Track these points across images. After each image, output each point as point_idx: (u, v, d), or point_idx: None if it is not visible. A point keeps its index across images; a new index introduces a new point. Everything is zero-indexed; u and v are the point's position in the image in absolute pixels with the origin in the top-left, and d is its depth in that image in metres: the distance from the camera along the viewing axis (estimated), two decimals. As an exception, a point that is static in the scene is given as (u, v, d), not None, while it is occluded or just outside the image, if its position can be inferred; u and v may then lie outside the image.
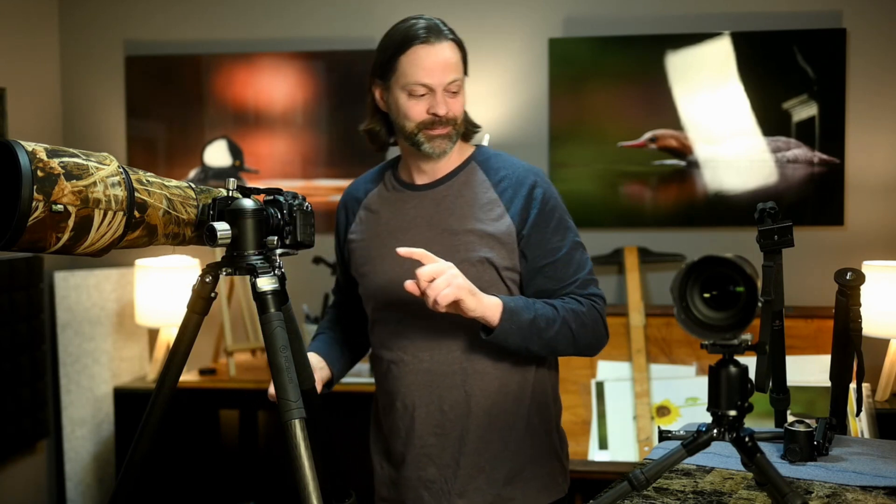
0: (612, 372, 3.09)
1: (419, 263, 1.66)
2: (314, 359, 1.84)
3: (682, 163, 3.29)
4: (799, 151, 3.23)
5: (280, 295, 1.62)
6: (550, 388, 1.84)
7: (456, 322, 1.69)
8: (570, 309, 1.71)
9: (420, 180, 1.83)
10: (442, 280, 1.57)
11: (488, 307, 1.63)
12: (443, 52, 1.71)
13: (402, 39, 1.72)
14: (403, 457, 1.80)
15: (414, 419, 1.78)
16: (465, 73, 1.79)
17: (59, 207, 1.30)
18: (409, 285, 1.59)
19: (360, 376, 3.16)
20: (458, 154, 1.82)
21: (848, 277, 1.68)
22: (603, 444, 3.02)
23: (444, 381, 1.76)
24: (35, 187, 1.27)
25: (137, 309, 3.36)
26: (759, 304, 1.20)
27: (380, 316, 1.83)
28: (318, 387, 1.78)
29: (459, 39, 1.77)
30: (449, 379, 1.75)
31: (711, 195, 3.29)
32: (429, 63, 1.70)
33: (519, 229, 1.75)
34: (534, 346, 1.68)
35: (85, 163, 1.36)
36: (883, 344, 2.89)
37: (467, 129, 1.84)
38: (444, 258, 1.67)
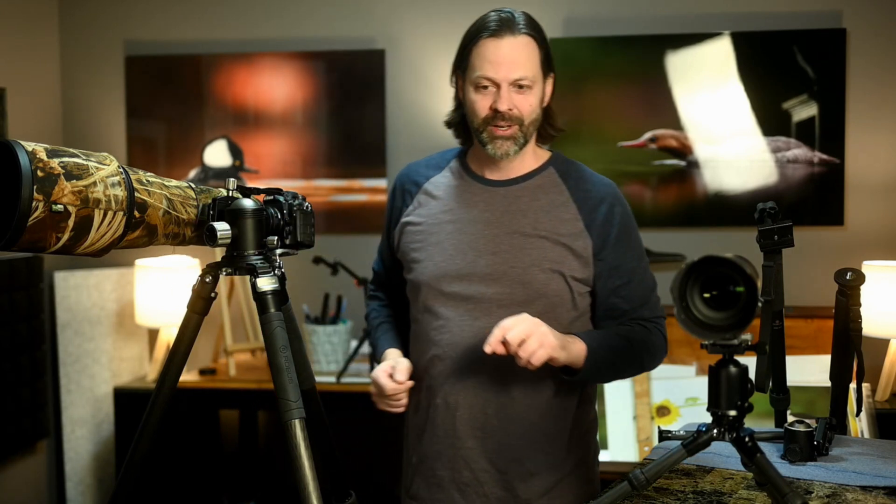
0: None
1: (478, 262, 1.65)
2: (395, 353, 1.81)
3: (682, 163, 3.29)
4: (799, 151, 3.23)
5: (280, 295, 1.62)
6: (592, 402, 1.82)
7: None
8: (640, 340, 1.71)
9: (492, 175, 1.76)
10: (534, 341, 1.53)
11: (576, 356, 1.62)
12: (511, 46, 1.64)
13: (474, 31, 1.67)
14: (439, 455, 1.74)
15: (455, 419, 1.71)
16: (550, 70, 1.73)
17: (59, 207, 1.30)
18: (492, 348, 1.53)
19: (359, 376, 3.16)
20: (533, 156, 1.78)
21: (848, 277, 1.68)
22: (603, 444, 3.02)
23: (492, 383, 1.69)
24: (35, 187, 1.27)
25: (137, 309, 3.36)
26: (759, 304, 1.20)
27: (429, 306, 1.74)
28: (405, 376, 1.72)
29: (538, 34, 1.69)
30: (497, 382, 1.69)
31: (711, 195, 3.29)
32: (495, 57, 1.64)
33: (597, 247, 1.71)
34: (607, 379, 1.76)
35: (85, 163, 1.36)
36: (883, 344, 2.89)
37: (547, 133, 1.79)
38: (511, 260, 1.65)
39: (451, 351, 1.71)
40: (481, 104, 1.66)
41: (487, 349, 1.53)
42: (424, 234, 1.74)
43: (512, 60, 1.64)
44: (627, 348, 1.70)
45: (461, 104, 1.75)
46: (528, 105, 1.67)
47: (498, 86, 1.64)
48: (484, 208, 1.72)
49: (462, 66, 1.70)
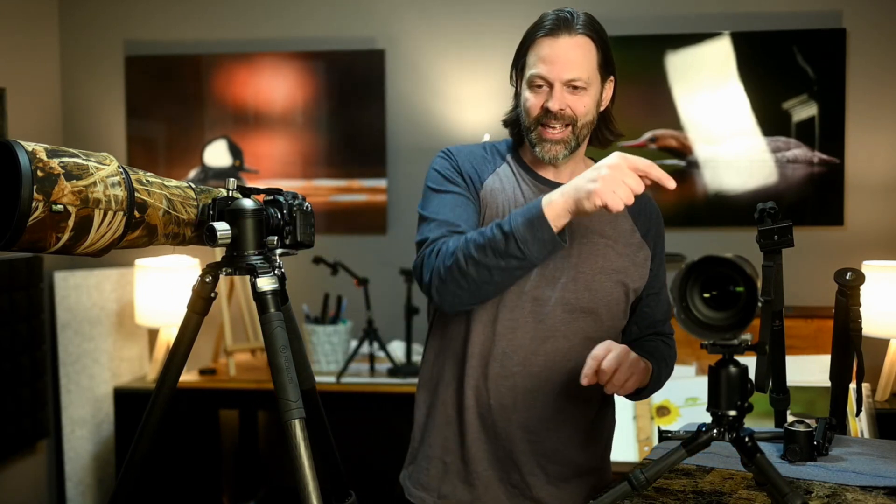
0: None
1: (547, 263, 1.59)
2: None
3: (682, 163, 3.29)
4: (799, 151, 3.23)
5: (280, 295, 1.62)
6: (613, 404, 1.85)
7: (571, 331, 1.65)
8: (670, 357, 1.75)
9: (556, 178, 1.70)
10: (626, 370, 1.51)
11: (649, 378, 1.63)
12: (567, 45, 1.60)
13: (532, 30, 1.64)
14: (487, 455, 1.68)
15: (510, 422, 1.66)
16: (610, 73, 1.69)
17: (59, 207, 1.30)
18: (589, 380, 1.50)
19: (359, 376, 3.16)
20: (584, 164, 1.75)
21: (848, 277, 1.68)
22: (603, 444, 3.02)
23: (550, 389, 1.66)
24: (35, 187, 1.27)
25: (137, 309, 3.36)
26: (759, 305, 1.20)
27: (504, 300, 1.64)
28: None
29: (597, 35, 1.65)
30: (555, 388, 1.66)
31: (711, 195, 3.28)
32: (549, 55, 1.60)
33: (652, 254, 1.72)
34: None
35: (85, 163, 1.35)
36: (883, 344, 2.89)
37: (605, 136, 1.76)
38: (580, 265, 1.62)
39: (513, 354, 1.64)
40: (533, 102, 1.63)
41: (584, 381, 1.50)
42: (492, 213, 1.65)
43: (567, 60, 1.60)
44: (665, 367, 1.73)
45: (518, 104, 1.71)
46: (581, 106, 1.62)
47: (551, 85, 1.61)
48: None
49: (519, 65, 1.68)
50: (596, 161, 1.73)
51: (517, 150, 1.74)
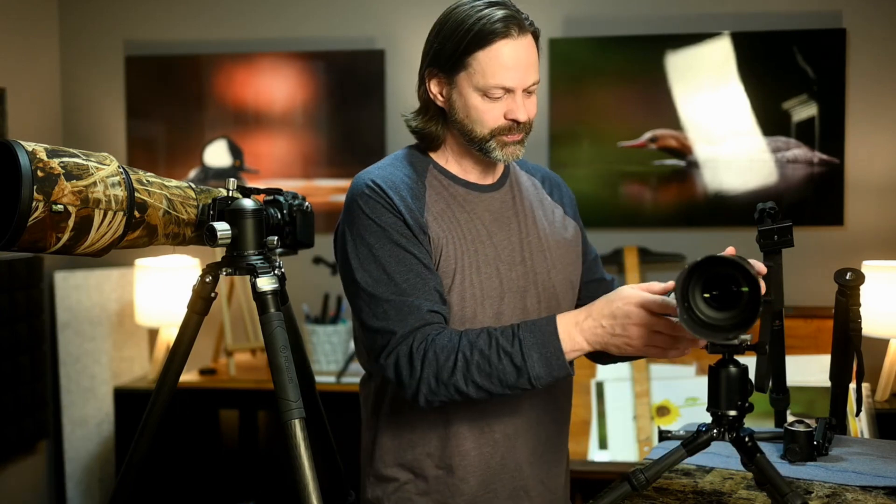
0: (611, 372, 3.09)
1: (510, 275, 1.53)
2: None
3: (682, 163, 3.29)
4: (799, 151, 3.23)
5: (280, 295, 1.62)
6: None
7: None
8: None
9: (483, 180, 1.60)
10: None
11: None
12: (526, 48, 1.47)
13: (479, 31, 1.44)
14: (497, 490, 1.57)
15: (516, 449, 1.57)
16: None
17: (59, 207, 1.30)
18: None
19: (359, 376, 3.15)
20: None
21: (848, 277, 1.68)
22: (603, 444, 3.02)
23: (543, 408, 1.60)
24: (35, 187, 1.27)
25: (137, 309, 3.36)
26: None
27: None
28: None
29: (537, 29, 1.51)
30: (544, 406, 1.61)
31: (711, 195, 3.29)
32: (512, 62, 1.45)
33: (580, 231, 1.70)
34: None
35: (85, 163, 1.36)
36: (883, 344, 2.89)
37: None
38: (538, 271, 1.57)
39: None
40: (492, 114, 1.48)
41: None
42: (450, 257, 1.51)
43: (527, 65, 1.47)
44: None
45: (434, 107, 1.55)
46: (534, 108, 1.52)
47: (511, 92, 1.47)
48: (492, 218, 1.57)
49: (453, 69, 1.49)
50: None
51: (431, 157, 1.60)
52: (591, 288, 1.71)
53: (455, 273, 1.49)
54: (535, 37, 1.50)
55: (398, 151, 1.63)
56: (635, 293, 1.33)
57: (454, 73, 1.49)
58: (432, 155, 1.60)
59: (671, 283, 1.31)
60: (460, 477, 1.54)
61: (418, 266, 1.45)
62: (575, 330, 1.36)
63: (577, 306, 1.65)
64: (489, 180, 1.60)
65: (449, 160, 1.59)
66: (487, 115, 1.48)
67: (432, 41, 1.54)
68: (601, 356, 1.56)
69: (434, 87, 1.54)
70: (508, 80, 1.45)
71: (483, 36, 1.44)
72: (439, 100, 1.54)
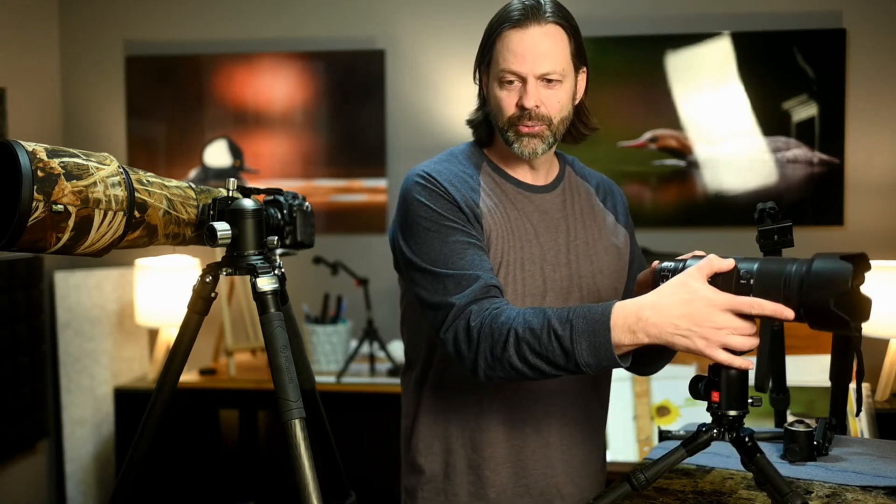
0: (611, 371, 3.09)
1: (554, 276, 1.53)
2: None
3: (682, 163, 3.29)
4: (799, 151, 3.23)
5: (280, 295, 1.62)
6: None
7: None
8: None
9: (535, 180, 1.62)
10: None
11: None
12: (538, 36, 1.47)
13: (497, 21, 1.51)
14: (528, 488, 1.59)
15: (549, 449, 1.59)
16: (583, 63, 1.56)
17: (60, 207, 1.30)
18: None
19: (359, 376, 3.16)
20: (554, 158, 1.68)
21: (848, 277, 1.67)
22: (603, 444, 3.02)
23: (575, 410, 1.61)
24: (35, 187, 1.27)
25: (137, 309, 3.36)
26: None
27: None
28: None
29: (568, 23, 1.51)
30: (576, 407, 1.61)
31: (711, 195, 3.29)
32: (520, 49, 1.47)
33: (630, 238, 1.69)
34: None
35: (85, 163, 1.36)
36: (883, 344, 2.89)
37: (579, 132, 1.64)
38: (584, 275, 1.58)
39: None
40: (507, 101, 1.51)
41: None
42: (494, 256, 1.54)
43: (539, 52, 1.47)
44: None
45: (485, 102, 1.60)
46: (556, 102, 1.51)
47: (524, 80, 1.48)
48: (540, 219, 1.58)
49: (485, 61, 1.55)
50: (566, 156, 1.71)
51: (486, 154, 1.64)
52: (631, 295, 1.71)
53: (500, 268, 1.52)
54: (563, 27, 1.50)
55: (455, 147, 1.67)
56: (720, 296, 1.22)
57: (486, 66, 1.56)
58: (487, 152, 1.63)
59: (731, 262, 1.24)
60: (492, 468, 1.57)
61: (474, 245, 1.48)
62: (637, 324, 1.27)
63: None
64: (541, 181, 1.62)
65: (500, 159, 1.62)
66: (503, 102, 1.51)
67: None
68: (644, 364, 1.54)
69: (482, 80, 1.60)
70: (515, 64, 1.47)
71: (499, 25, 1.50)
72: (484, 90, 1.60)
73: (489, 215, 1.53)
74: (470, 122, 1.64)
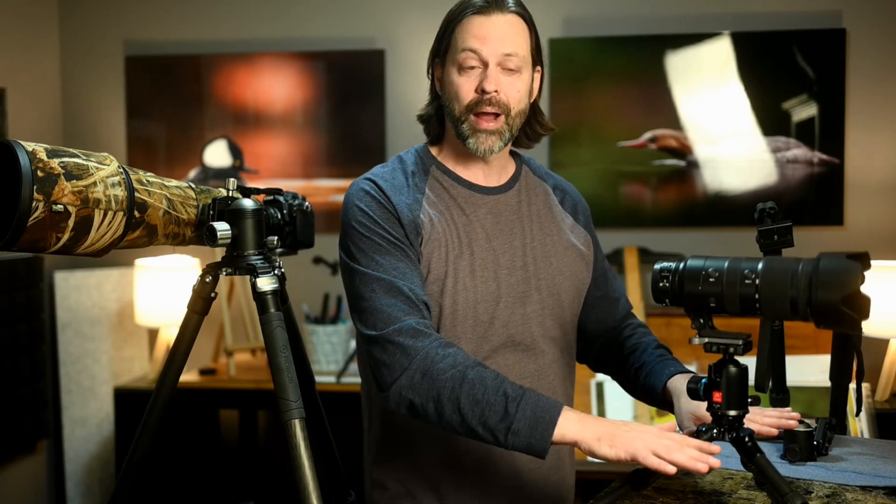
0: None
1: (510, 280, 1.52)
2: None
3: (682, 163, 3.29)
4: (799, 151, 3.23)
5: (280, 295, 1.62)
6: None
7: (553, 349, 1.58)
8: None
9: (488, 181, 1.58)
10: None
11: None
12: (500, 22, 1.48)
13: (458, 9, 1.51)
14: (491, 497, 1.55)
15: (514, 456, 1.53)
16: (538, 61, 1.56)
17: (59, 207, 1.30)
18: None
19: (359, 376, 3.15)
20: (510, 156, 1.64)
21: (848, 277, 1.67)
22: (603, 444, 3.02)
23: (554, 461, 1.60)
24: (35, 187, 1.27)
25: (137, 309, 3.36)
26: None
27: (470, 334, 1.51)
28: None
29: (528, 15, 1.52)
30: (558, 461, 1.61)
31: (711, 195, 3.29)
32: (481, 31, 1.47)
33: (594, 244, 1.68)
34: None
35: (85, 163, 1.36)
36: (883, 344, 2.89)
37: (536, 131, 1.62)
38: (542, 277, 1.55)
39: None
40: (465, 87, 1.48)
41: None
42: (442, 261, 1.50)
43: (501, 35, 1.47)
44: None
45: (437, 96, 1.58)
46: (515, 91, 1.49)
47: (485, 64, 1.47)
48: (494, 221, 1.55)
49: (442, 50, 1.53)
50: (522, 155, 1.69)
51: (435, 157, 1.60)
52: (597, 304, 1.69)
53: (447, 276, 1.48)
54: (524, 18, 1.51)
55: (404, 152, 1.65)
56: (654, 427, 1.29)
57: (443, 55, 1.54)
58: (437, 154, 1.61)
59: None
60: (445, 492, 1.54)
61: (408, 258, 1.47)
62: (578, 422, 1.29)
63: (581, 319, 1.67)
64: (494, 182, 1.59)
65: (451, 160, 1.59)
66: (462, 88, 1.49)
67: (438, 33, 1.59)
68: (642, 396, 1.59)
69: (436, 74, 1.59)
70: (477, 44, 1.47)
71: (460, 12, 1.50)
72: (437, 85, 1.58)
73: (433, 225, 1.50)
74: (420, 118, 1.62)
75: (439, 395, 1.34)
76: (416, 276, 1.46)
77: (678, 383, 1.51)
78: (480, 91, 1.48)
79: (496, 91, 1.48)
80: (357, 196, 1.52)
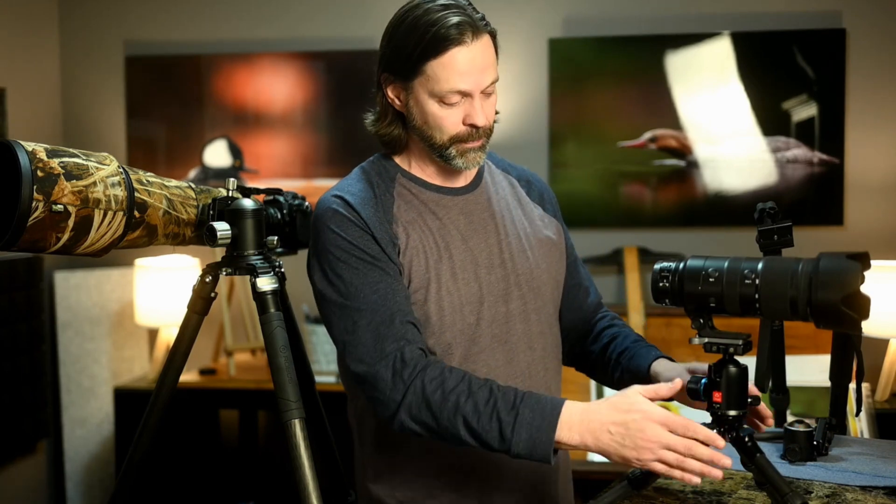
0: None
1: (489, 278, 1.49)
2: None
3: (682, 163, 3.29)
4: (799, 151, 3.23)
5: (280, 295, 1.62)
6: None
7: (541, 346, 1.57)
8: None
9: (454, 182, 1.56)
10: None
11: None
12: (477, 50, 1.42)
13: (432, 39, 1.40)
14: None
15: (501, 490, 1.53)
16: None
17: (59, 207, 1.30)
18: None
19: (360, 376, 3.16)
20: None
21: (848, 277, 1.67)
22: (603, 444, 3.02)
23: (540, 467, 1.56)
24: (35, 187, 1.27)
25: (137, 309, 3.36)
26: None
27: (459, 338, 1.50)
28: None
29: (493, 28, 1.47)
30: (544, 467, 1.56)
31: (711, 195, 3.28)
32: (467, 67, 1.41)
33: (563, 231, 1.66)
34: None
35: (85, 163, 1.36)
36: (883, 344, 2.89)
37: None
38: (521, 272, 1.53)
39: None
40: (450, 120, 1.44)
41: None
42: (423, 268, 1.48)
43: (482, 67, 1.42)
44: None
45: (394, 111, 1.53)
46: (493, 109, 1.49)
47: (469, 96, 1.43)
48: (467, 222, 1.53)
49: (408, 75, 1.45)
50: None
51: (398, 164, 1.57)
52: (570, 292, 1.68)
53: (430, 282, 1.46)
54: (493, 36, 1.47)
55: (363, 163, 1.60)
56: (656, 410, 1.25)
57: (409, 80, 1.46)
58: (399, 161, 1.57)
59: (678, 382, 1.30)
60: (448, 499, 1.51)
61: (388, 277, 1.43)
62: (580, 425, 1.28)
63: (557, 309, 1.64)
64: (461, 182, 1.56)
65: (415, 165, 1.56)
66: (446, 121, 1.45)
67: (385, 46, 1.51)
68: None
69: (391, 92, 1.51)
70: (464, 83, 1.41)
71: (436, 43, 1.40)
72: (397, 104, 1.51)
73: (408, 234, 1.48)
74: (378, 134, 1.57)
75: (438, 426, 1.34)
76: (400, 292, 1.43)
77: (661, 367, 1.50)
78: (469, 125, 1.45)
79: (485, 123, 1.46)
80: (326, 216, 1.47)
